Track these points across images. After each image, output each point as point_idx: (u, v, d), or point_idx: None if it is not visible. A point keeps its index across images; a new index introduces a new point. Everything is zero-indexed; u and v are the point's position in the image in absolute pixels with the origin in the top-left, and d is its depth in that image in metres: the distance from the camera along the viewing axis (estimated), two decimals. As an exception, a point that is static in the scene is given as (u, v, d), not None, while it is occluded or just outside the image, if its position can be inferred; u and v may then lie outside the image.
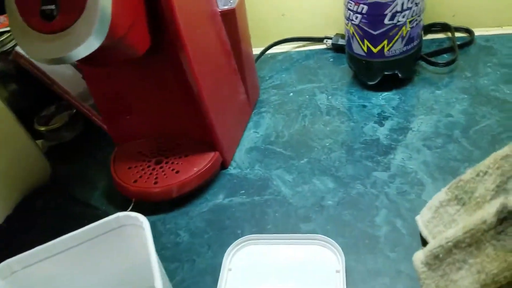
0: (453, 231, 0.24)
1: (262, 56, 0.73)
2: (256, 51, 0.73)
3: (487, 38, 0.64)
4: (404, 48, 0.55)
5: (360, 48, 0.57)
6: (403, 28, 0.54)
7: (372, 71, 0.58)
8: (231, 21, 0.52)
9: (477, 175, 0.25)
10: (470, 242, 0.23)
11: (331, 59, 0.69)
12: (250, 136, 0.58)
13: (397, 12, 0.52)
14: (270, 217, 0.47)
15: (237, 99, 0.57)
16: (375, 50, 0.55)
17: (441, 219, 0.26)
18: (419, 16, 0.54)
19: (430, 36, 0.68)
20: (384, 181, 0.47)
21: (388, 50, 0.55)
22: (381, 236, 0.42)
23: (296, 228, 0.45)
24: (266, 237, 0.44)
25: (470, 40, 0.63)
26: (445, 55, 0.62)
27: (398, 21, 0.53)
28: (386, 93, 0.59)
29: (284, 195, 0.49)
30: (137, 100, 0.51)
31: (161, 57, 0.45)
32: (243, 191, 0.50)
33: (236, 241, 0.43)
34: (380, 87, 0.60)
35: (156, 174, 0.49)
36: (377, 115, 0.56)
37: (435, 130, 0.52)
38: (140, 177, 0.50)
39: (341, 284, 0.38)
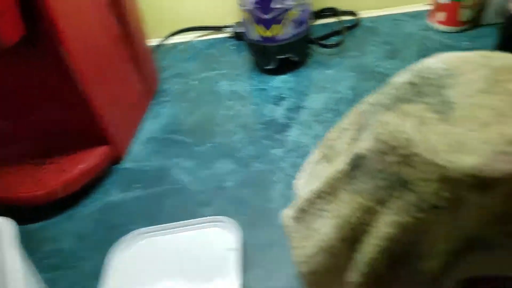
0: (317, 184, 0.25)
1: (163, 46, 0.72)
2: (156, 41, 0.72)
3: (372, 20, 0.69)
4: (295, 32, 0.57)
5: (255, 33, 0.58)
6: (293, 11, 0.56)
7: (268, 55, 0.60)
8: (119, 8, 0.51)
9: (340, 131, 0.27)
10: (329, 191, 0.24)
11: (233, 47, 0.70)
12: (149, 127, 0.57)
13: (284, -4, 0.55)
14: (167, 208, 0.46)
15: (131, 89, 0.56)
16: (269, 34, 0.57)
17: (314, 178, 0.27)
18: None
19: (321, 21, 0.71)
20: (280, 157, 0.49)
21: (280, 33, 0.57)
22: (277, 209, 0.43)
23: (195, 214, 0.45)
24: (156, 228, 0.42)
25: (356, 22, 0.68)
26: (334, 38, 0.66)
27: (287, 5, 0.55)
28: (283, 76, 0.61)
29: (184, 183, 0.49)
30: (13, 98, 0.46)
31: (38, 48, 0.42)
32: (139, 185, 0.49)
33: (121, 238, 0.41)
34: (277, 71, 0.62)
35: (39, 176, 0.46)
36: (274, 97, 0.58)
37: (325, 106, 0.55)
38: (21, 182, 0.46)
39: (237, 260, 0.39)
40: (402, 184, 0.21)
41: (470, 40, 0.61)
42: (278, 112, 0.56)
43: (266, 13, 0.56)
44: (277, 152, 0.50)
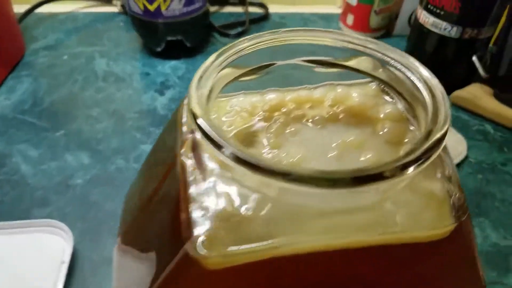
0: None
1: (35, 14, 0.60)
2: (23, 7, 0.59)
3: (282, 16, 0.63)
4: (184, 10, 0.49)
5: (136, 5, 0.49)
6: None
7: (155, 34, 0.51)
8: None
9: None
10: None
11: (122, 23, 0.60)
12: (-5, 103, 0.45)
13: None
14: (-8, 203, 0.35)
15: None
16: (151, 8, 0.48)
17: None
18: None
19: (227, 9, 0.64)
20: (148, 154, 0.40)
21: (166, 9, 0.48)
22: (129, 217, 0.34)
23: (27, 215, 0.34)
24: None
25: (265, 15, 0.61)
26: (239, 28, 0.59)
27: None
28: (174, 62, 0.53)
29: (23, 174, 0.38)
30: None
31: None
32: (-41, 170, 0.37)
33: None
34: (168, 55, 0.53)
35: None
36: (159, 84, 0.49)
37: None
38: None
39: (62, 277, 0.29)
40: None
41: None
42: (160, 102, 0.47)
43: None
44: (148, 148, 0.41)
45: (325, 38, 0.20)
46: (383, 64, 0.19)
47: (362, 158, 0.18)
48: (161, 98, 0.47)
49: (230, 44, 0.19)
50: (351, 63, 0.20)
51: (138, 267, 0.20)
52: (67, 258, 0.31)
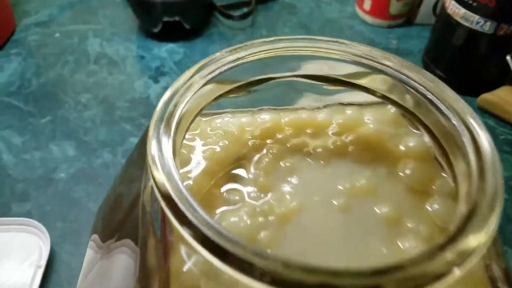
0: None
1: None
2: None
3: (291, -3, 0.59)
4: (185, -11, 0.45)
5: (133, -19, 0.46)
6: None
7: (151, 14, 0.47)
8: None
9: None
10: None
11: (119, 0, 0.57)
12: (-23, 84, 0.43)
13: None
14: (-32, 196, 0.33)
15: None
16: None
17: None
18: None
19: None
20: (136, 149, 0.38)
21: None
22: (112, 220, 0.32)
23: (6, 210, 0.33)
24: None
25: (272, -4, 0.57)
26: (244, 9, 0.55)
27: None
28: (171, 45, 0.49)
29: (4, 164, 0.36)
30: None
31: None
32: None
33: None
34: (165, 37, 0.50)
35: None
36: (154, 70, 0.46)
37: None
38: None
39: (36, 283, 0.28)
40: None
41: (397, 39, 0.53)
42: (154, 90, 0.44)
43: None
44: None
45: (331, 50, 0.17)
46: (404, 86, 0.16)
47: (376, 211, 0.15)
48: (155, 86, 0.45)
49: (212, 57, 0.16)
50: (363, 81, 0.17)
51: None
52: (43, 262, 0.29)
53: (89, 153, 0.37)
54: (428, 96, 0.16)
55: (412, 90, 0.16)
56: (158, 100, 0.48)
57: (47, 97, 0.42)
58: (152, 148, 0.13)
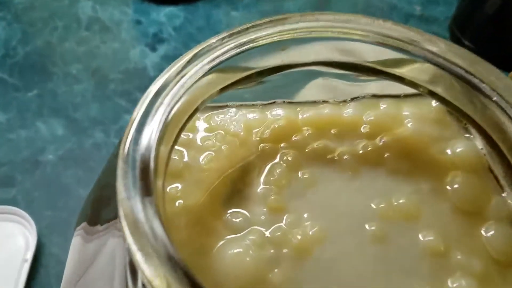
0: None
1: None
2: None
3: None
4: None
5: None
6: None
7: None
8: None
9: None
10: None
11: (114, -44, 0.51)
12: (-45, 52, 0.39)
13: None
14: None
15: None
16: None
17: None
18: None
19: None
20: (131, 128, 0.34)
21: None
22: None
23: (-13, 197, 0.30)
24: None
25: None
26: (251, -32, 0.50)
27: None
28: (170, 8, 0.45)
29: (-13, 144, 0.33)
30: None
31: None
32: None
33: None
34: (165, 0, 0.45)
35: None
36: (151, 36, 0.42)
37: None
38: None
39: (23, 278, 0.25)
40: None
41: (422, 5, 0.48)
42: (151, 60, 0.40)
43: None
44: (133, 117, 0.35)
45: (359, 31, 0.13)
46: (454, 78, 0.13)
47: (420, 239, 0.12)
48: (152, 55, 0.40)
49: (208, 43, 0.13)
50: (401, 70, 0.14)
51: None
52: (30, 256, 0.27)
53: (79, 132, 0.34)
54: (485, 91, 0.12)
55: (464, 83, 0.13)
56: (155, 71, 0.42)
57: (34, 68, 0.39)
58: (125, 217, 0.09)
